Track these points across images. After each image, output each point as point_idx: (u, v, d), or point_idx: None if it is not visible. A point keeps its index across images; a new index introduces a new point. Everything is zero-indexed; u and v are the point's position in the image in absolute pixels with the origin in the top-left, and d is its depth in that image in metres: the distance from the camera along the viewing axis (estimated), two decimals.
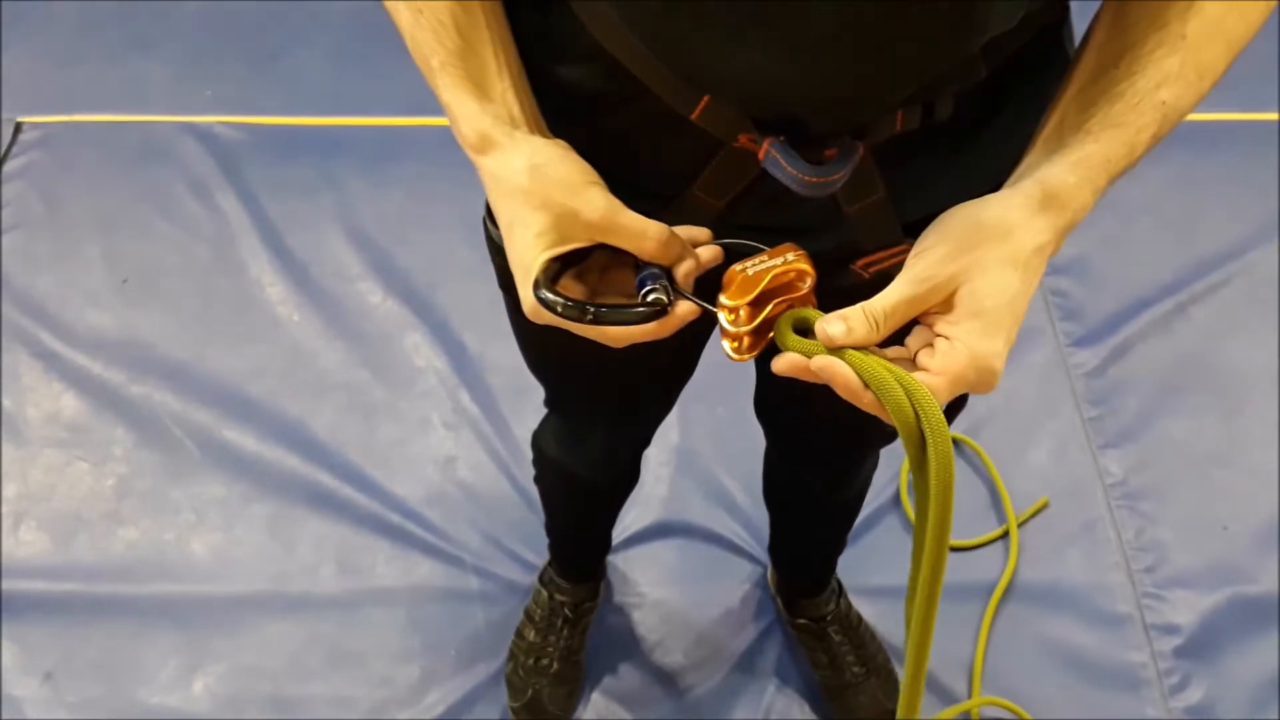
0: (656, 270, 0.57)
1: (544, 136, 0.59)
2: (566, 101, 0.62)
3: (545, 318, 0.56)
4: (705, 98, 0.56)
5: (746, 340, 0.57)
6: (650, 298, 0.56)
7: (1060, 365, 1.72)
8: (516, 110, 0.57)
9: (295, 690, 1.40)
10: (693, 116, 0.57)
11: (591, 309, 0.55)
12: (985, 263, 0.52)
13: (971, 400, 1.73)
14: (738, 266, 0.56)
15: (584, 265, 0.58)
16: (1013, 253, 0.52)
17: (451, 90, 0.57)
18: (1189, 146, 1.99)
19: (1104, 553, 1.53)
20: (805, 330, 0.57)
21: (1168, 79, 0.54)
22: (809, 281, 0.57)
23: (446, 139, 2.16)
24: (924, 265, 0.53)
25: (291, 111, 2.04)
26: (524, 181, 0.55)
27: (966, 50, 0.51)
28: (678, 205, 0.62)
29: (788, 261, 0.56)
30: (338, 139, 2.00)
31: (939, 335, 0.54)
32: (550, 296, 0.55)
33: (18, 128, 2.00)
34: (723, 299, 0.56)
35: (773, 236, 0.66)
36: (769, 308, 0.56)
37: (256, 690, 1.40)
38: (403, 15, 0.57)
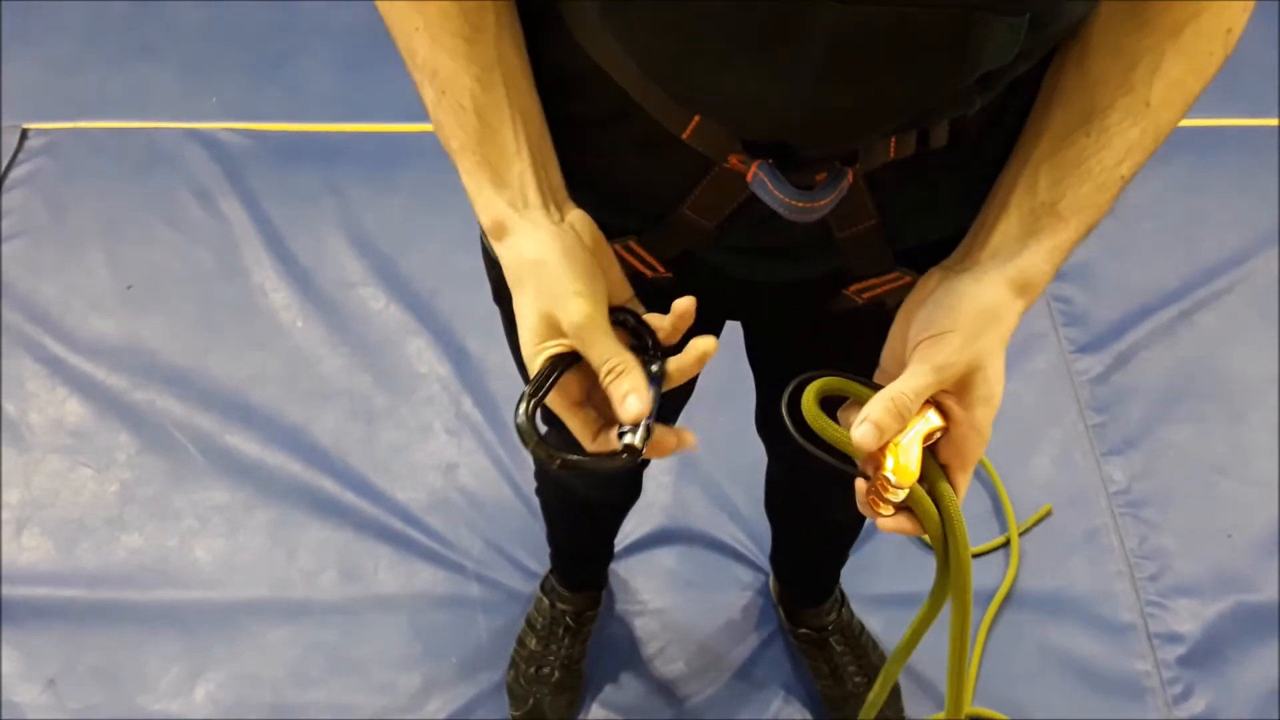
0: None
1: (560, 213, 0.59)
2: (560, 117, 0.62)
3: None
4: (696, 117, 0.56)
5: (892, 508, 0.57)
6: (624, 440, 0.55)
7: (1064, 372, 1.71)
8: (532, 193, 0.58)
9: (296, 697, 1.40)
10: (684, 136, 0.57)
11: (559, 458, 0.54)
12: (993, 348, 0.56)
13: None
14: (895, 439, 0.56)
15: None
16: (1003, 336, 0.57)
17: (468, 175, 0.58)
18: (1191, 152, 1.99)
19: (1107, 561, 1.52)
20: (830, 396, 0.58)
21: (1131, 151, 0.57)
22: (941, 422, 0.58)
23: None
24: (944, 354, 0.55)
25: (295, 118, 2.04)
26: (525, 275, 0.56)
27: (960, 82, 0.50)
28: (668, 224, 0.61)
29: (929, 423, 0.56)
30: (341, 146, 2.01)
31: (950, 415, 0.57)
32: (525, 425, 0.54)
33: (24, 134, 2.01)
34: (889, 475, 0.55)
35: (763, 259, 0.65)
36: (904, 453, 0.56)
37: (258, 697, 1.40)
38: (427, 94, 0.59)
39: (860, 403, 0.56)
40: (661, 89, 0.56)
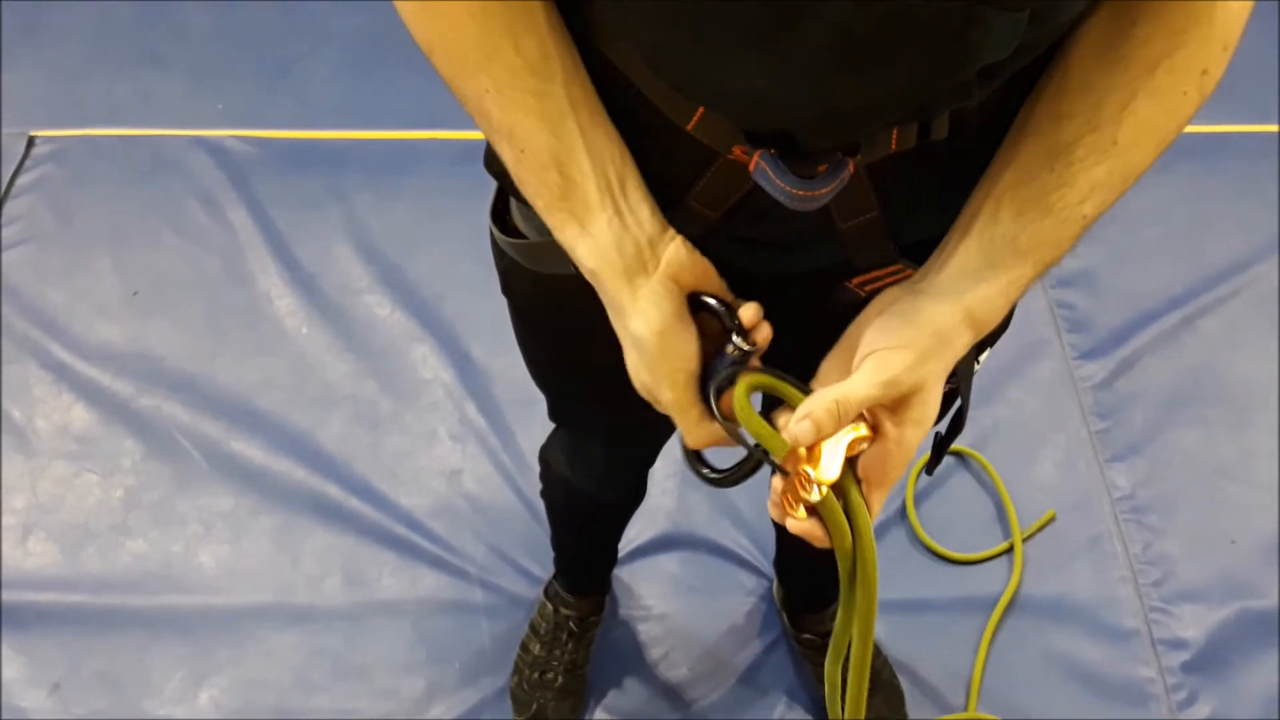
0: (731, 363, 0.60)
1: (653, 253, 0.60)
2: None
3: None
4: (700, 109, 0.57)
5: (805, 509, 0.58)
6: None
7: (1067, 378, 1.71)
8: (614, 253, 0.60)
9: (300, 702, 1.40)
10: (688, 127, 0.58)
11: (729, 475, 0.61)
12: (938, 373, 0.58)
13: (977, 413, 1.73)
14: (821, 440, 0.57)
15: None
16: (948, 365, 0.58)
17: (560, 231, 0.60)
18: (1194, 159, 1.99)
19: (1111, 566, 1.52)
20: (765, 392, 0.59)
21: (1095, 189, 0.57)
22: (865, 446, 0.59)
23: (454, 152, 2.16)
24: (893, 370, 0.56)
25: (301, 125, 2.05)
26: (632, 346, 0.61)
27: (959, 76, 0.51)
28: (674, 215, 0.62)
29: (857, 431, 0.58)
30: (346, 152, 2.02)
31: (880, 430, 0.58)
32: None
33: (31, 141, 2.02)
34: (809, 471, 0.57)
35: (767, 250, 0.66)
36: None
37: (262, 702, 1.40)
38: (506, 153, 0.59)
39: (791, 407, 0.58)
40: (665, 81, 0.56)
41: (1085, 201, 0.57)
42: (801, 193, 0.56)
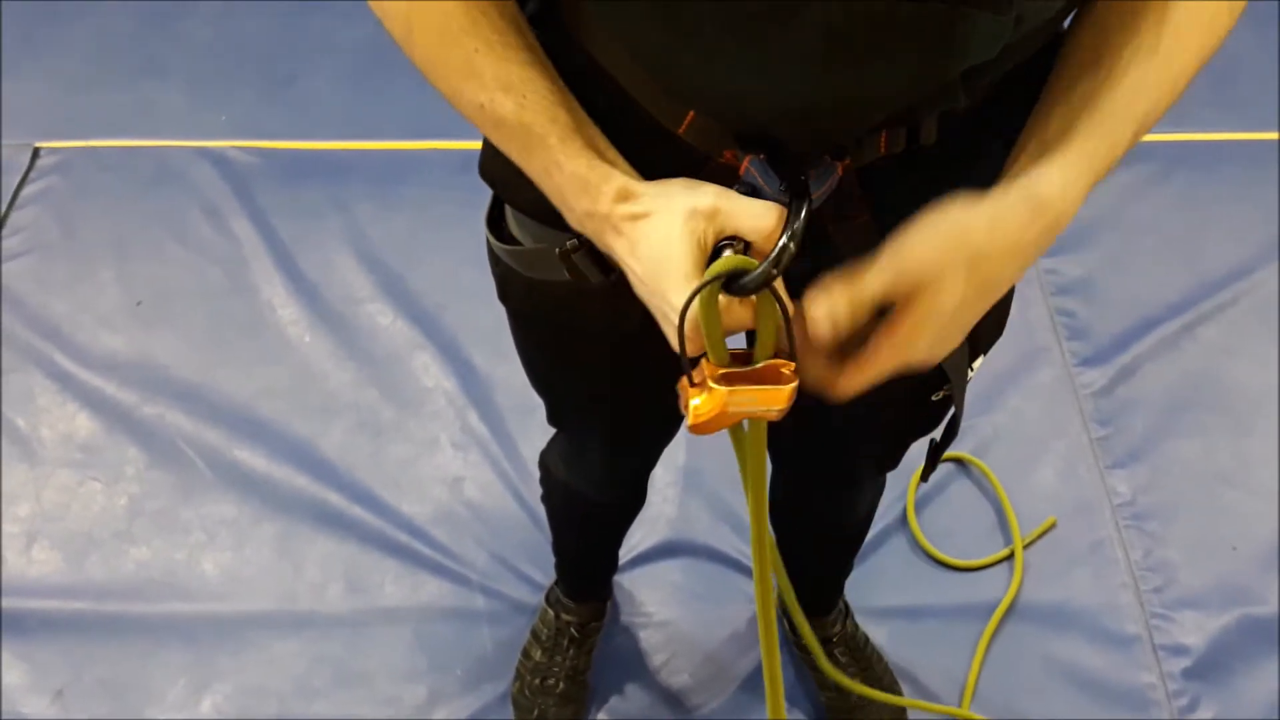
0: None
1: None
2: None
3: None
4: (690, 113, 0.57)
5: (708, 390, 0.57)
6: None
7: (1068, 385, 1.72)
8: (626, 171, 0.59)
9: (302, 709, 1.40)
10: (679, 131, 0.58)
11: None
12: (953, 266, 0.54)
13: (978, 420, 1.73)
14: (738, 373, 0.57)
15: None
16: (971, 263, 0.54)
17: (575, 159, 0.57)
18: (1192, 166, 2.00)
19: (1112, 573, 1.52)
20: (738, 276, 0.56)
21: (1141, 90, 0.56)
22: (786, 396, 0.58)
23: (455, 162, 2.17)
24: (901, 254, 0.54)
25: (303, 136, 2.07)
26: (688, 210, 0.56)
27: (945, 75, 0.52)
28: None
29: (781, 373, 0.57)
30: (348, 163, 2.03)
31: (885, 327, 0.56)
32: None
33: (35, 153, 2.03)
34: (696, 408, 0.57)
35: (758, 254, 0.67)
36: (737, 388, 0.57)
37: (263, 710, 1.40)
38: (506, 106, 0.57)
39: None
40: (656, 83, 0.57)
41: (1135, 101, 0.56)
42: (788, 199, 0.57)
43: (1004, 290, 0.57)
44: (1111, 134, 0.56)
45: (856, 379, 0.58)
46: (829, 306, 0.55)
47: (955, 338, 0.57)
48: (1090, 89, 0.56)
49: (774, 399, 0.57)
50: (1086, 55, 0.57)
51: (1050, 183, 0.55)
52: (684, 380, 0.58)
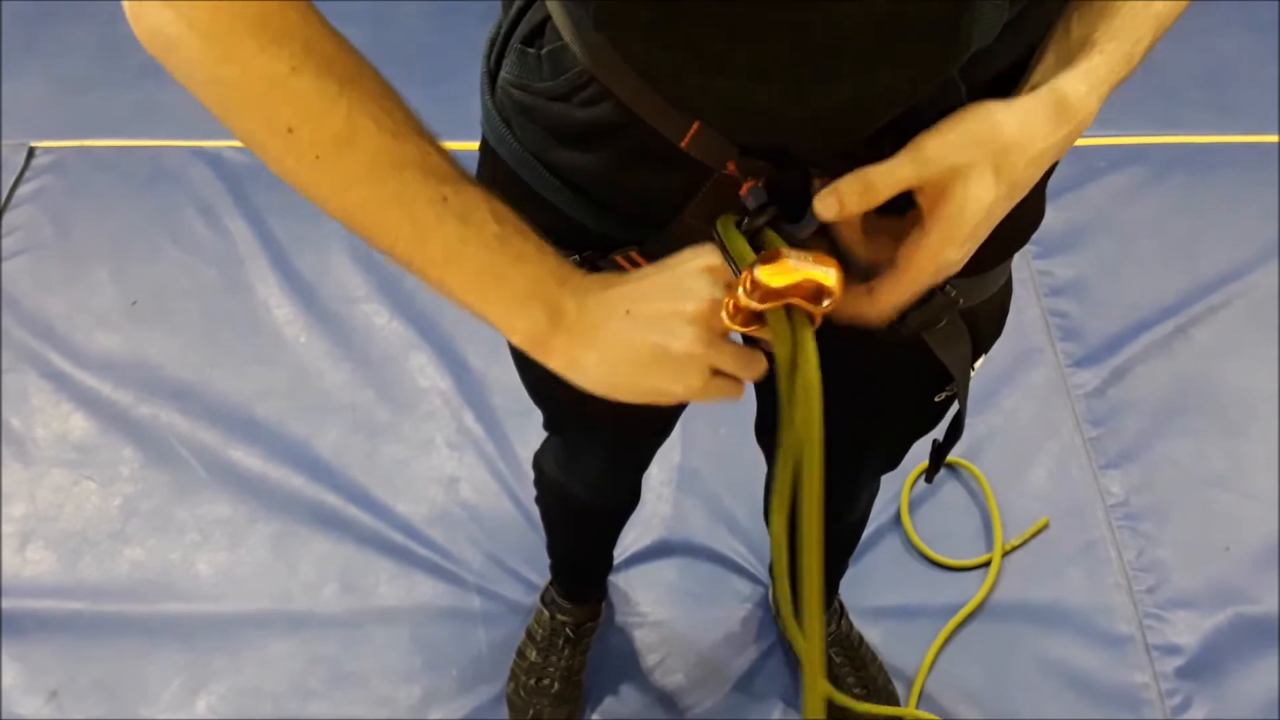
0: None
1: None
2: (560, 131, 0.63)
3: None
4: (695, 125, 0.57)
5: (742, 317, 0.55)
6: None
7: (1060, 386, 1.72)
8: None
9: (297, 709, 1.40)
10: (683, 144, 0.58)
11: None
12: (980, 164, 0.53)
13: (972, 421, 1.74)
14: (786, 251, 0.54)
15: None
16: (997, 161, 0.54)
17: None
18: (1189, 169, 2.01)
19: (1105, 573, 1.53)
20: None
21: None
22: (827, 303, 0.55)
23: None
24: (926, 148, 0.53)
25: None
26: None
27: (949, 68, 0.52)
28: (669, 233, 0.63)
29: (826, 274, 0.54)
30: None
31: (917, 233, 0.55)
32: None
33: (30, 152, 2.03)
34: (759, 273, 0.53)
35: None
36: (779, 304, 0.54)
37: (258, 710, 1.40)
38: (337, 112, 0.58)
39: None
40: (659, 94, 0.57)
41: (1152, 2, 0.56)
42: (788, 227, 0.57)
43: (1026, 191, 0.56)
44: (1131, 34, 0.56)
45: (893, 294, 0.57)
46: (836, 187, 0.54)
47: (982, 238, 0.56)
48: None
49: (825, 270, 0.54)
50: None
51: (1075, 88, 0.55)
52: (727, 302, 0.55)
